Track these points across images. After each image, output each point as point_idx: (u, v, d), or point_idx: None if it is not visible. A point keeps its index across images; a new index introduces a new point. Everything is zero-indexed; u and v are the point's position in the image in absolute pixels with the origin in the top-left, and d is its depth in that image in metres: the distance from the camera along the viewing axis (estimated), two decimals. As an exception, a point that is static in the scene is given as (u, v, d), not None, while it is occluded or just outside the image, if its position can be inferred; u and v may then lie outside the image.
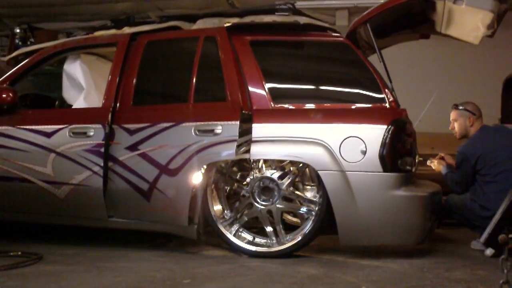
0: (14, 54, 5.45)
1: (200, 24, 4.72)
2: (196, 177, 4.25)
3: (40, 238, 5.01)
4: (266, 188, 4.27)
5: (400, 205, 4.05)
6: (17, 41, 9.28)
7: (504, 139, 4.54)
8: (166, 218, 4.34)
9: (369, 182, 4.02)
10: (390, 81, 4.29)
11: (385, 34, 4.84)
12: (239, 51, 4.41)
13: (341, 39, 4.44)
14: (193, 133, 4.26)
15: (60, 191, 4.52)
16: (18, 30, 9.40)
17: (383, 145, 4.02)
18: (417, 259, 4.19)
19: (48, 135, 4.59)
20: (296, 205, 4.32)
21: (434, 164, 4.82)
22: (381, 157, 4.01)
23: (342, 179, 4.03)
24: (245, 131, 4.18)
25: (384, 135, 4.03)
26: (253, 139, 4.17)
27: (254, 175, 4.29)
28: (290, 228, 4.58)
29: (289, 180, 4.24)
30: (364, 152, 4.03)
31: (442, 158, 4.83)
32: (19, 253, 4.26)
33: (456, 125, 4.68)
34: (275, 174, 4.25)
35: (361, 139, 4.05)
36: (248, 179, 4.35)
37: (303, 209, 4.28)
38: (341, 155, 4.04)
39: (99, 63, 5.33)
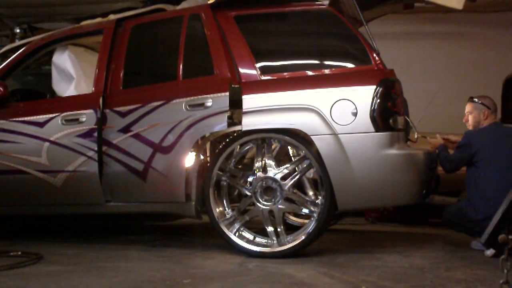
0: (2, 50, 5.51)
1: (184, 5, 4.78)
2: (190, 153, 4.27)
3: (40, 238, 5.02)
4: (269, 188, 4.25)
5: (394, 164, 4.04)
6: (17, 41, 9.26)
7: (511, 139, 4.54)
8: (163, 196, 4.36)
9: (362, 143, 4.02)
10: (376, 48, 4.28)
11: (369, 6, 4.84)
12: (224, 26, 4.45)
13: (325, 6, 4.47)
14: (184, 109, 4.29)
15: (56, 179, 4.55)
16: (18, 30, 9.40)
17: (373, 105, 4.02)
18: (417, 259, 4.18)
19: (41, 124, 4.63)
20: (298, 206, 4.28)
21: (434, 141, 4.77)
22: (372, 117, 4.01)
23: (335, 142, 4.03)
24: (235, 104, 4.21)
25: (373, 95, 4.04)
26: (244, 110, 4.18)
27: (257, 174, 4.27)
28: (291, 228, 4.58)
29: (292, 181, 4.22)
30: (355, 114, 4.03)
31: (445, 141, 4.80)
32: (19, 253, 4.26)
33: (470, 117, 4.66)
34: (278, 175, 4.24)
35: (351, 101, 4.05)
36: (250, 178, 4.33)
37: (305, 210, 4.26)
38: (332, 119, 4.04)
39: (87, 54, 5.36)
